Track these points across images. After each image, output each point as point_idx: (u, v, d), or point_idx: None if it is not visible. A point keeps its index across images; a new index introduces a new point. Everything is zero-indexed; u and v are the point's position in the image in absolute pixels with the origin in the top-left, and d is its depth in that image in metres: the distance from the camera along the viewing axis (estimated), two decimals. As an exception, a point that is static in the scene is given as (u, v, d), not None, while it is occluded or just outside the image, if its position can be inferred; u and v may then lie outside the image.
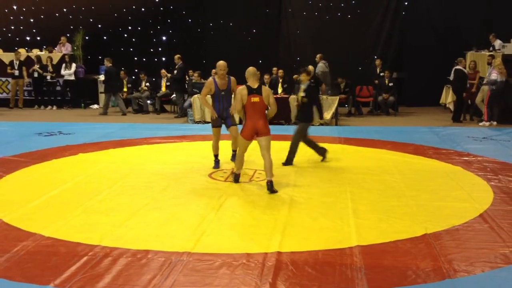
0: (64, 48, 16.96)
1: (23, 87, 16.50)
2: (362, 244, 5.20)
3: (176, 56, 15.01)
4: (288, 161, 8.71)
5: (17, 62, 16.17)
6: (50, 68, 16.13)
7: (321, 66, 14.33)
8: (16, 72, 16.16)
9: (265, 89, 7.29)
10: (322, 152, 8.98)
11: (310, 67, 10.23)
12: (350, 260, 4.84)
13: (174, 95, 15.22)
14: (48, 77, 16.17)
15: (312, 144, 8.96)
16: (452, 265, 4.73)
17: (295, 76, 13.81)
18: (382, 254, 5.01)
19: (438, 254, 4.97)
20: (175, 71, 14.92)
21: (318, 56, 14.68)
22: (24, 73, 16.21)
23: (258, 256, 4.89)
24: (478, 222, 5.88)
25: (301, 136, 8.77)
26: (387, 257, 4.94)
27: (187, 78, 15.23)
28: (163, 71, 15.83)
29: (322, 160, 8.95)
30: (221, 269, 4.64)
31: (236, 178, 7.59)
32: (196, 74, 14.78)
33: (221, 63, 8.05)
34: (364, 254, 4.97)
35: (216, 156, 8.45)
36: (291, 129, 12.60)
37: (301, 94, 8.82)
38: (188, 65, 15.30)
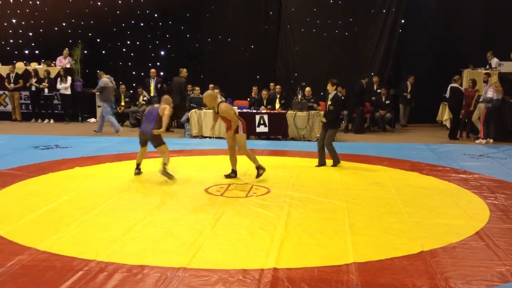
0: (66, 61, 17.00)
1: (19, 100, 16.57)
2: (359, 261, 5.19)
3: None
4: (336, 162, 9.85)
5: (13, 75, 16.23)
6: (45, 82, 16.07)
7: (105, 80, 14.08)
8: (11, 85, 16.22)
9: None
10: (336, 160, 9.89)
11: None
12: (346, 277, 4.82)
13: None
14: (46, 91, 16.19)
15: (323, 150, 9.90)
16: (448, 283, 4.71)
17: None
18: (378, 271, 5.00)
19: (435, 271, 4.96)
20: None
21: (100, 72, 14.57)
22: (18, 85, 16.24)
23: (254, 272, 4.87)
24: (475, 240, 5.88)
25: (332, 141, 9.81)
26: (384, 274, 4.92)
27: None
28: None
29: (333, 165, 9.84)
30: (217, 285, 4.62)
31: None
32: (197, 89, 14.81)
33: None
34: (360, 271, 4.95)
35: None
36: (288, 145, 12.76)
37: (328, 102, 9.74)
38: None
